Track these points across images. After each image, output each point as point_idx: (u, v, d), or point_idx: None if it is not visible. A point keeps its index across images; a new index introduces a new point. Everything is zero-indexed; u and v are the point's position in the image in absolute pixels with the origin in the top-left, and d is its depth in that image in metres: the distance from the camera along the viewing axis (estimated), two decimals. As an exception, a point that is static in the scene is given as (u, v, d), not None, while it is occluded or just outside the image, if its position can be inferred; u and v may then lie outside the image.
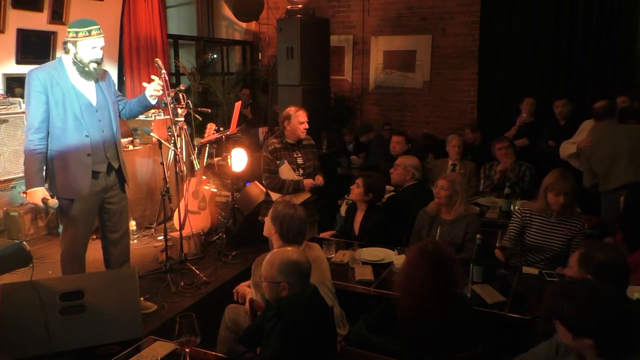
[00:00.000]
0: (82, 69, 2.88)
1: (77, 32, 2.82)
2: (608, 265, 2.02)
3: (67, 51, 2.88)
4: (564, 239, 3.06)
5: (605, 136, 3.94)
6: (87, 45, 2.84)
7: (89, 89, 2.95)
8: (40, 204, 2.83)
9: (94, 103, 2.97)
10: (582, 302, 1.56)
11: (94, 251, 4.20)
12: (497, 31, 6.36)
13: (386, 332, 2.22)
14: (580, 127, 4.34)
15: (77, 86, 2.90)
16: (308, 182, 3.80)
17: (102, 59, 2.93)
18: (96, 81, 2.99)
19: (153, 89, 3.18)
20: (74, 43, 2.84)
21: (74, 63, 2.87)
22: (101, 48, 2.90)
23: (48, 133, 2.89)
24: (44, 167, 2.90)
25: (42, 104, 2.83)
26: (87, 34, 2.83)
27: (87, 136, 2.92)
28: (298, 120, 3.76)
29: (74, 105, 2.87)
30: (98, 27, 2.87)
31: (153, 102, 3.24)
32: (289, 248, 2.26)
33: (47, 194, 2.85)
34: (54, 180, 2.94)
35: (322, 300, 2.25)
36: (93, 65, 2.89)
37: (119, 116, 3.21)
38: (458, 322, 2.13)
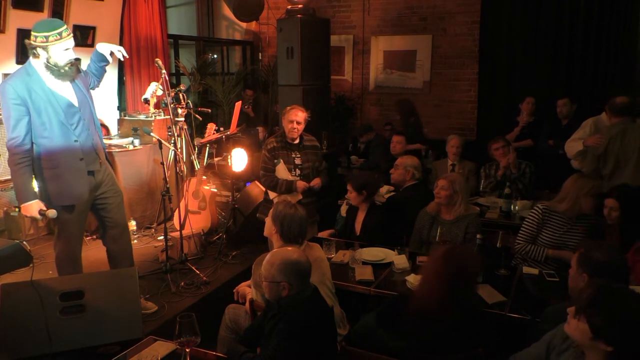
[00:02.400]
0: (58, 72, 2.77)
1: (47, 37, 2.69)
2: (607, 264, 2.02)
3: (36, 56, 2.74)
4: (579, 237, 3.05)
5: (617, 134, 3.86)
6: (59, 49, 2.73)
7: (66, 90, 2.87)
8: (38, 216, 2.75)
9: (76, 103, 2.89)
10: (613, 313, 1.53)
11: (94, 251, 4.21)
12: (497, 31, 6.36)
13: (394, 324, 2.21)
14: (582, 124, 4.24)
15: (54, 89, 2.80)
16: (301, 184, 3.73)
17: (75, 58, 2.85)
18: (72, 80, 2.89)
19: (113, 50, 3.08)
20: (45, 48, 2.71)
21: (48, 67, 2.75)
22: (73, 48, 2.81)
23: (32, 144, 2.79)
24: (32, 180, 2.81)
25: (23, 116, 2.73)
26: (59, 36, 2.71)
27: (76, 141, 2.86)
28: (288, 118, 3.72)
29: (57, 111, 2.78)
30: (66, 27, 2.77)
31: (107, 55, 3.09)
32: (289, 248, 2.26)
33: (42, 205, 2.77)
34: (45, 189, 2.85)
35: (322, 300, 2.25)
36: (69, 67, 2.80)
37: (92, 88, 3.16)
38: (466, 327, 2.12)
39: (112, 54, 3.12)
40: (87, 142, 2.94)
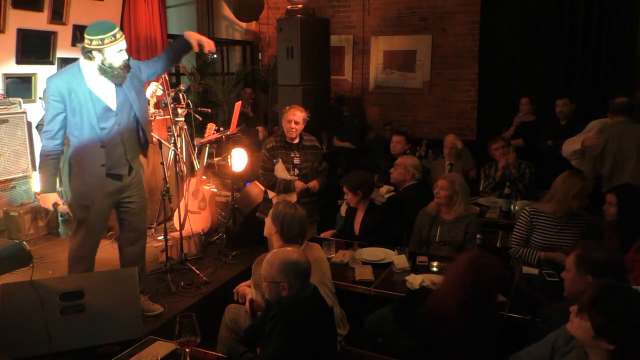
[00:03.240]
0: (112, 73, 2.81)
1: (102, 39, 2.73)
2: (607, 264, 2.02)
3: (91, 58, 2.78)
4: (573, 237, 3.02)
5: (615, 134, 3.87)
6: (114, 50, 2.77)
7: (107, 93, 2.89)
8: (51, 208, 2.88)
9: (113, 107, 2.90)
10: (615, 312, 1.53)
11: (98, 251, 4.20)
12: (497, 31, 6.36)
13: (408, 321, 2.20)
14: (587, 127, 4.24)
15: (95, 91, 2.84)
16: (299, 184, 3.72)
17: (128, 59, 2.87)
18: (120, 83, 2.89)
19: (203, 42, 3.09)
20: (101, 50, 2.75)
21: (101, 69, 2.79)
22: (125, 49, 2.85)
23: (66, 139, 2.91)
24: (57, 173, 2.92)
25: (59, 113, 2.82)
26: (113, 38, 2.76)
27: (102, 147, 2.89)
28: (287, 118, 3.72)
29: (90, 114, 2.82)
30: (118, 28, 2.82)
31: (194, 44, 3.10)
32: (289, 248, 2.26)
33: (58, 199, 2.88)
34: (71, 184, 2.97)
35: (322, 300, 2.25)
36: (123, 67, 2.83)
37: (156, 74, 3.20)
38: (482, 333, 2.11)
39: (200, 45, 3.12)
40: (118, 147, 2.95)
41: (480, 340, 2.10)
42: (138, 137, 3.08)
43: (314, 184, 3.77)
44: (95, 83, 2.84)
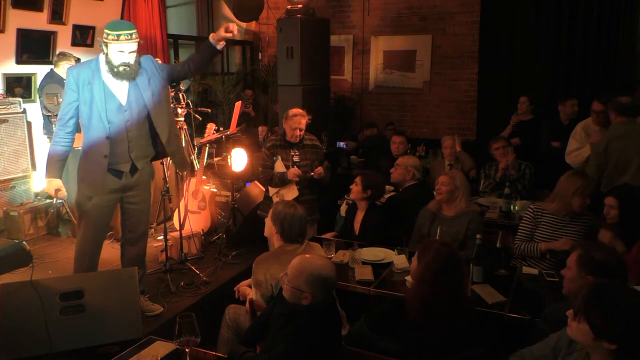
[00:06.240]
0: (112, 70, 2.87)
1: (108, 34, 2.82)
2: (608, 265, 2.02)
3: (103, 51, 2.89)
4: (576, 235, 3.05)
5: (620, 134, 3.86)
6: (115, 49, 2.83)
7: (120, 89, 2.94)
8: (53, 193, 2.96)
9: (123, 103, 2.94)
10: (611, 310, 1.53)
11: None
12: (497, 31, 6.36)
13: (388, 331, 2.21)
14: (572, 133, 4.34)
15: (108, 85, 2.90)
16: (292, 171, 3.70)
17: (134, 62, 2.89)
18: (131, 80, 2.94)
19: (225, 31, 3.06)
20: (106, 44, 2.84)
21: (107, 63, 2.88)
22: (130, 52, 2.85)
23: (77, 129, 2.97)
24: (65, 160, 2.97)
25: (73, 101, 2.89)
26: (116, 37, 2.80)
27: (107, 138, 2.92)
28: (290, 125, 3.76)
29: (99, 106, 2.87)
30: (130, 32, 2.83)
31: (219, 47, 3.13)
32: (320, 258, 2.20)
33: (61, 185, 2.95)
34: (79, 173, 3.04)
35: (337, 311, 2.21)
36: (122, 68, 2.87)
37: (184, 76, 3.32)
38: (465, 323, 2.12)
39: (226, 31, 3.07)
40: (122, 142, 2.97)
41: (469, 334, 2.10)
42: (150, 138, 3.09)
43: (319, 169, 3.76)
44: (109, 77, 2.91)
